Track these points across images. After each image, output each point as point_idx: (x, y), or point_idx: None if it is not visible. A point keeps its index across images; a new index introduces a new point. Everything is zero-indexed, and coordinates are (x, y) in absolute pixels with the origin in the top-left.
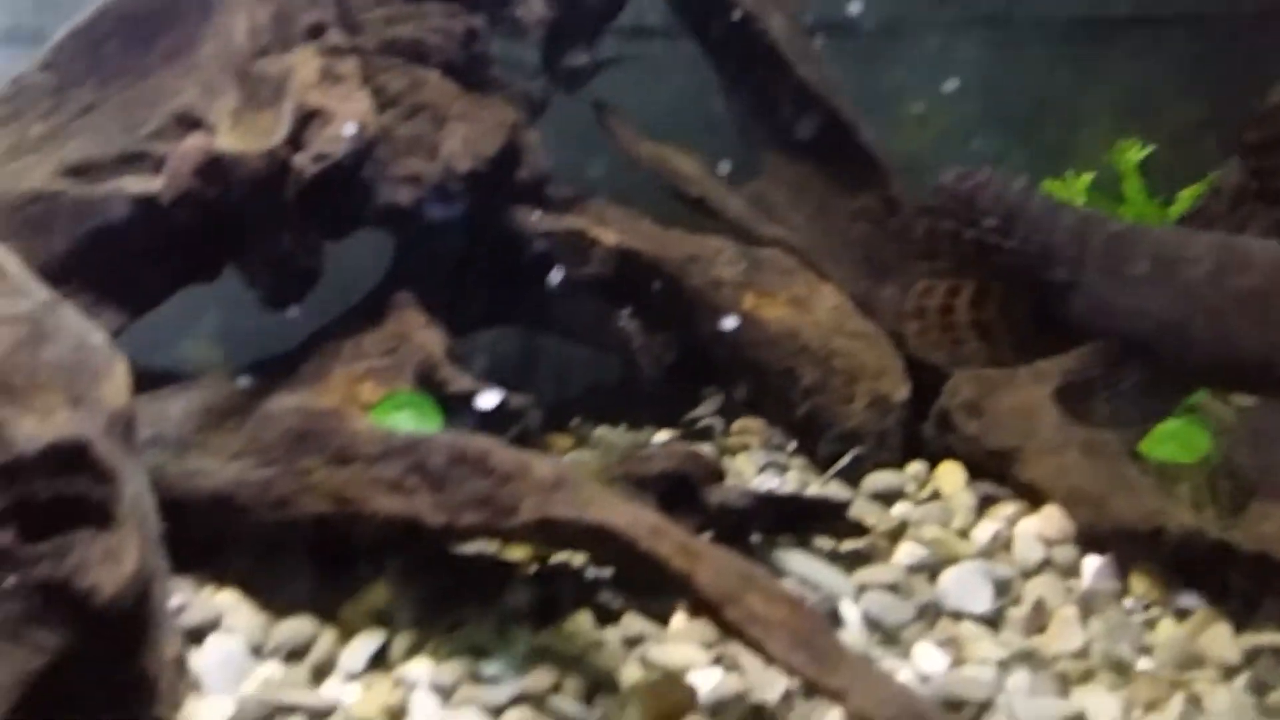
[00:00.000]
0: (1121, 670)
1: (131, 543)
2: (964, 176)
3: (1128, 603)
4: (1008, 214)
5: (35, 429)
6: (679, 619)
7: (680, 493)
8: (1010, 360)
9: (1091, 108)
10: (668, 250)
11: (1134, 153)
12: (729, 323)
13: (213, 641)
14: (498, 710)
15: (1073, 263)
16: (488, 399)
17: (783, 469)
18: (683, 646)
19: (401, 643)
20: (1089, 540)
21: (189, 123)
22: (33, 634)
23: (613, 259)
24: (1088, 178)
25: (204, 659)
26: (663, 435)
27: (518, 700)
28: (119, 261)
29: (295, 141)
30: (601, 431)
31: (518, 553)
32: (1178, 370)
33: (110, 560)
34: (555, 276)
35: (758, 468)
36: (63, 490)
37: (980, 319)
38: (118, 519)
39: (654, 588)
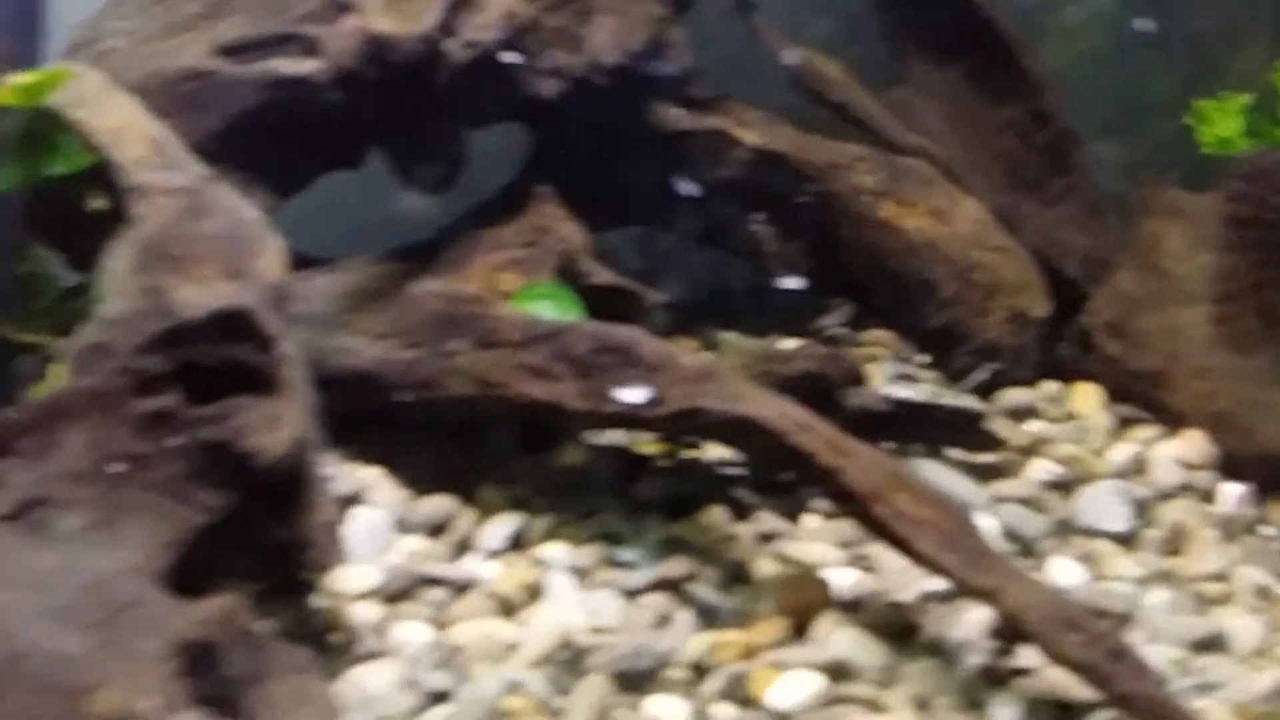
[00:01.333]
0: (1262, 594)
1: (291, 409)
2: (1262, 155)
3: (1267, 530)
4: None
5: (196, 297)
6: (811, 518)
7: (815, 395)
8: None
9: (1253, 25)
10: (808, 155)
11: None
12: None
13: (357, 513)
14: (635, 593)
15: None
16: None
17: (912, 381)
18: (817, 544)
19: (538, 526)
20: (1230, 467)
21: (341, 6)
22: (197, 493)
23: (752, 161)
24: (1244, 99)
25: (350, 529)
26: (789, 343)
27: (656, 586)
28: (269, 143)
29: (446, 27)
30: (728, 336)
31: (649, 447)
32: None
33: (271, 425)
34: (692, 177)
35: (887, 379)
36: (225, 356)
37: None
38: (278, 386)
39: (787, 486)
